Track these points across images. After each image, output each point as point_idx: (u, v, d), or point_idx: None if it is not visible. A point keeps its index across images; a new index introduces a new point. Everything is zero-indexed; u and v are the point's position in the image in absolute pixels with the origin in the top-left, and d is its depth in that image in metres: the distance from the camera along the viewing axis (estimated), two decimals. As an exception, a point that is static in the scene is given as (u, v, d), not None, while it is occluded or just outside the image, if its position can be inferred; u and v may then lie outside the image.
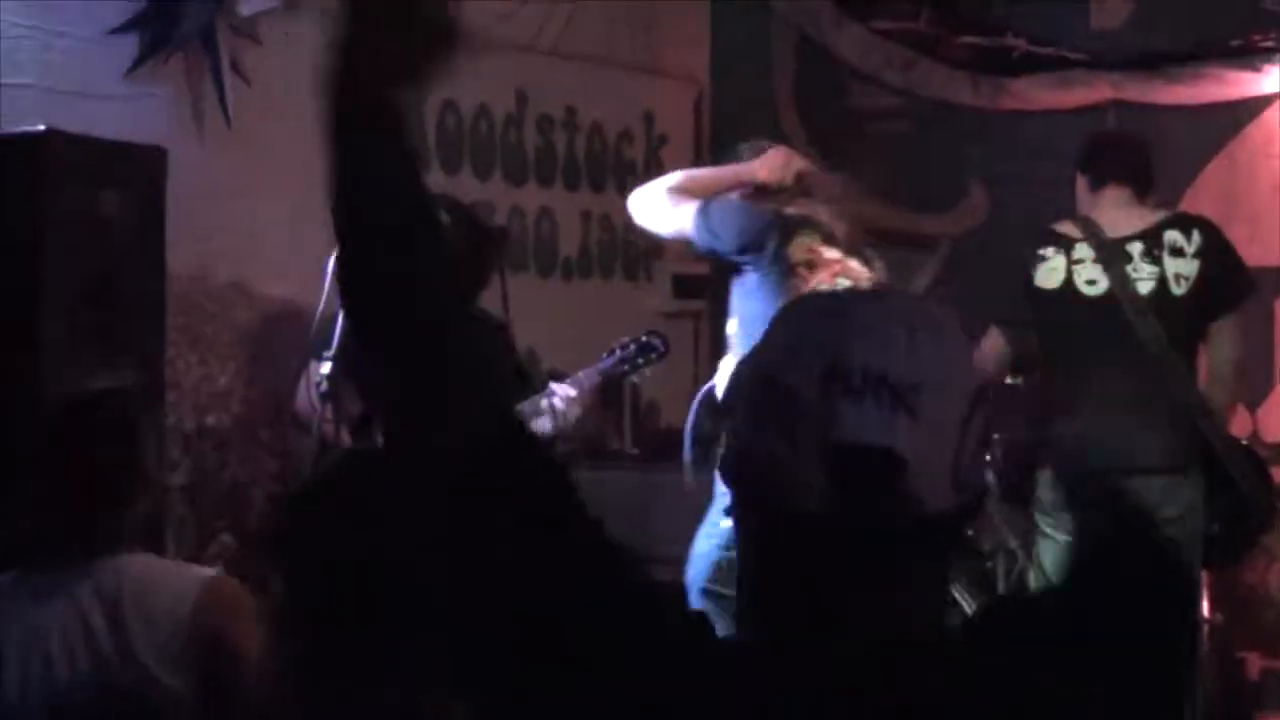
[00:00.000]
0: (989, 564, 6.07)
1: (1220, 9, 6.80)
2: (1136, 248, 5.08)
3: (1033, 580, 5.33)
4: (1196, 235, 5.09)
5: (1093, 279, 5.09)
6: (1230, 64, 6.68)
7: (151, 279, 4.93)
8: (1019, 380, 5.89)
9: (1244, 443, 5.42)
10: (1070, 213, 5.28)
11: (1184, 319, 5.06)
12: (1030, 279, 5.15)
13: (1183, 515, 5.01)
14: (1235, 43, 6.67)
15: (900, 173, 7.66)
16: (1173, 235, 5.09)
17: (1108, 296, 5.06)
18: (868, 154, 7.74)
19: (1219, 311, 5.11)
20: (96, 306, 4.71)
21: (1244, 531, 5.27)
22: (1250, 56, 6.63)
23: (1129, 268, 5.06)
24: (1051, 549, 5.18)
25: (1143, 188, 5.21)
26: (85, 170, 4.74)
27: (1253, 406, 6.70)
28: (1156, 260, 5.06)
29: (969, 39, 7.30)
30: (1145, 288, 5.05)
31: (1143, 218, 5.15)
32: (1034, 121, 7.17)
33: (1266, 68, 6.60)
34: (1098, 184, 5.21)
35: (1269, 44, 6.60)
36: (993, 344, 5.21)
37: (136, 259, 4.87)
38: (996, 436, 5.92)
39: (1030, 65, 7.15)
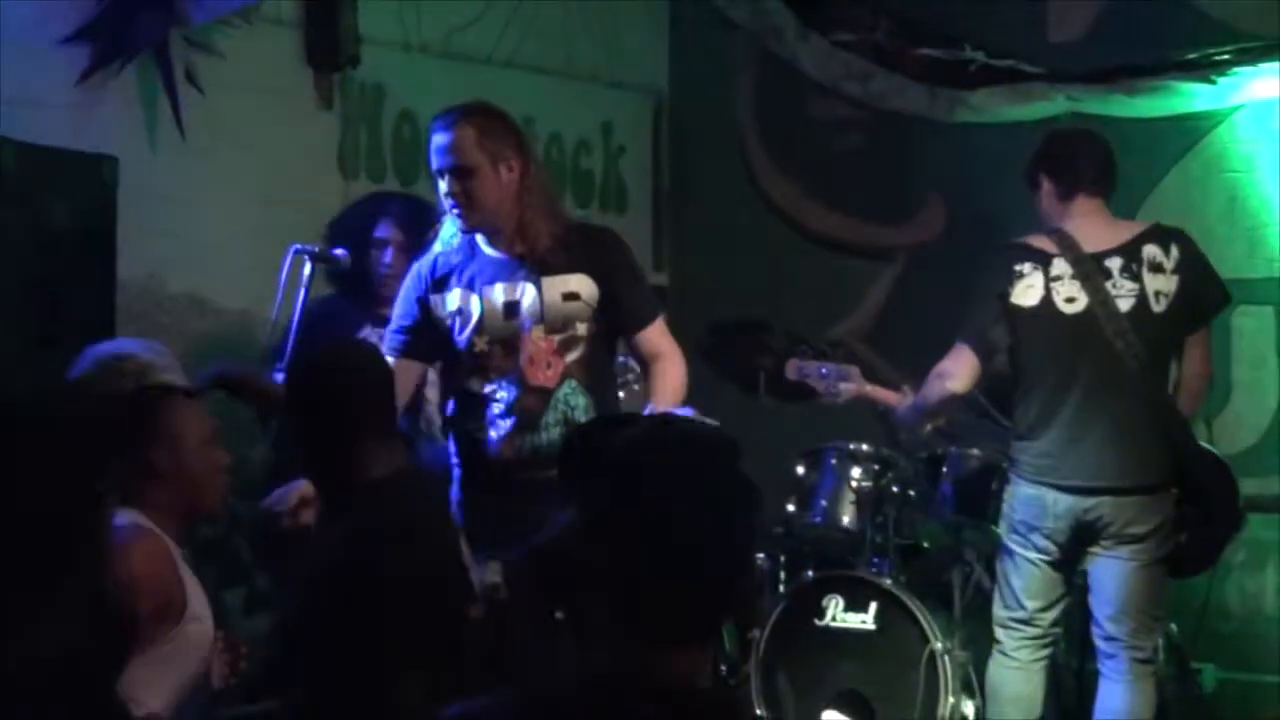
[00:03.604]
0: (944, 575, 6.07)
1: (1177, 23, 6.81)
2: (1115, 263, 5.06)
3: (996, 595, 5.31)
4: (1175, 250, 5.09)
5: (1072, 296, 5.06)
6: (1186, 78, 6.69)
7: (102, 287, 4.92)
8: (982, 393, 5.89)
9: (1213, 450, 5.44)
10: (1030, 223, 5.27)
11: (1164, 334, 5.07)
12: (1006, 295, 5.12)
13: (1157, 529, 5.02)
14: (1191, 56, 6.68)
15: (858, 184, 7.66)
16: (1151, 250, 5.08)
17: (1087, 313, 5.04)
18: (826, 165, 7.75)
19: (1196, 325, 5.12)
20: (47, 314, 4.69)
21: (1212, 540, 5.28)
22: (1206, 70, 6.63)
23: (1109, 284, 5.04)
24: (1023, 565, 5.16)
25: (1110, 194, 5.22)
26: (36, 179, 4.72)
27: (1209, 418, 6.71)
28: (1136, 276, 5.04)
29: (927, 51, 7.29)
30: (1125, 305, 5.03)
31: (1118, 230, 5.14)
32: (992, 134, 7.16)
33: (1222, 82, 6.61)
34: (1067, 193, 5.18)
35: (1224, 58, 6.61)
36: (963, 361, 5.18)
37: (87, 267, 4.86)
38: (955, 450, 5.92)
39: (988, 78, 7.15)
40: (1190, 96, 6.71)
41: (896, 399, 5.42)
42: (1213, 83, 6.64)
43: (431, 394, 5.22)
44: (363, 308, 5.55)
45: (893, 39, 7.38)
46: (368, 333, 5.48)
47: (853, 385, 5.45)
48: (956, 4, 7.29)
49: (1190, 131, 6.84)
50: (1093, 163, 5.24)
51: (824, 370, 5.47)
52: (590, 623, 2.20)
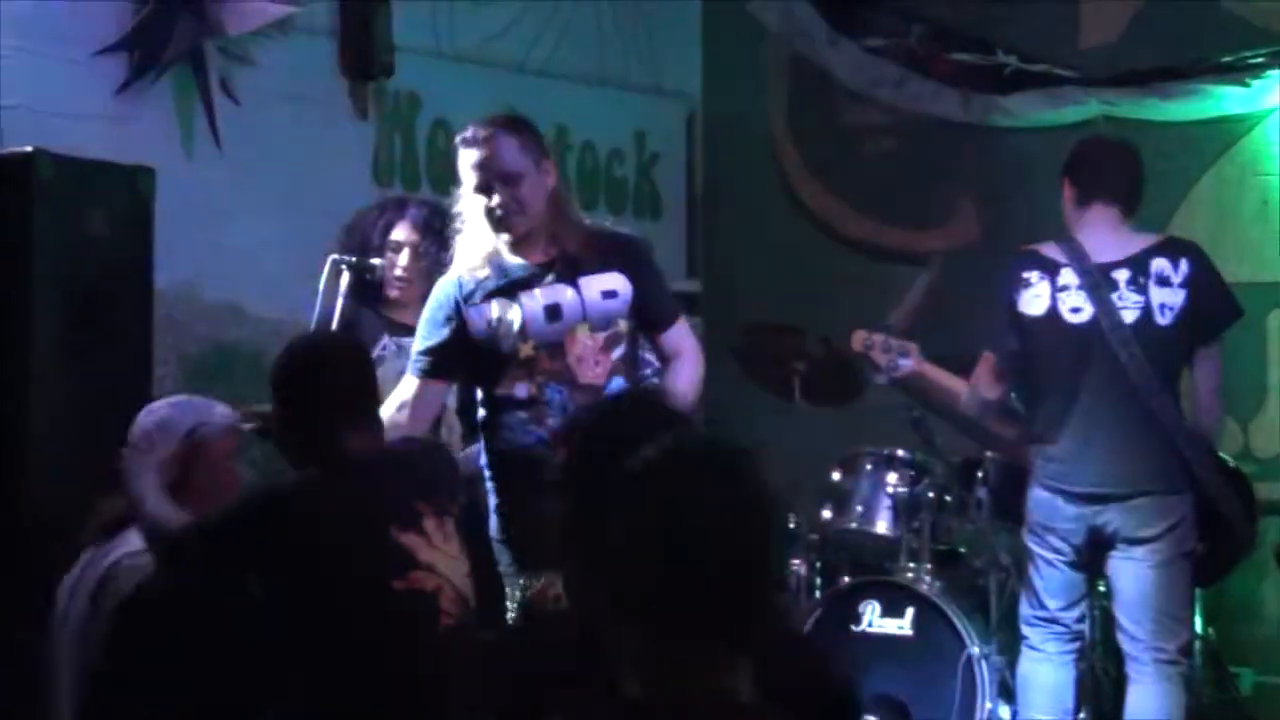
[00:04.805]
0: (981, 580, 6.06)
1: (1210, 26, 6.80)
2: (1123, 275, 5.05)
3: (1022, 595, 5.32)
4: (1184, 264, 5.06)
5: (1077, 307, 5.06)
6: (1220, 81, 6.68)
7: (139, 298, 4.94)
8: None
9: (1230, 463, 5.41)
10: (1061, 230, 5.27)
11: (1168, 347, 5.04)
12: (1014, 303, 5.13)
13: (1171, 529, 5.01)
14: (1225, 60, 6.67)
15: (892, 189, 7.66)
16: (1159, 263, 5.06)
17: (1092, 324, 5.04)
18: (859, 170, 7.76)
19: (1204, 339, 5.10)
20: (84, 325, 4.71)
21: (1227, 552, 5.27)
22: (1240, 73, 6.63)
23: (1114, 296, 5.04)
24: (1043, 566, 5.17)
25: (1130, 207, 5.19)
26: (73, 190, 4.75)
27: (1244, 421, 6.70)
28: (1142, 289, 5.03)
29: (960, 56, 7.30)
30: (1130, 317, 5.02)
31: (1130, 242, 5.11)
32: (1025, 138, 7.17)
33: (1255, 85, 6.60)
34: (1084, 199, 5.18)
35: (1258, 61, 6.60)
36: (988, 369, 5.20)
37: (124, 278, 4.88)
38: (990, 454, 5.93)
39: (1021, 82, 7.15)
40: (1224, 100, 6.70)
41: (956, 382, 5.41)
42: (1246, 86, 6.63)
43: (450, 400, 5.23)
44: (377, 313, 5.48)
45: (925, 44, 7.39)
46: (385, 343, 5.43)
47: (911, 362, 5.48)
48: (989, 8, 7.29)
49: (1224, 135, 6.83)
50: (1114, 173, 5.22)
51: (890, 343, 5.51)
52: (619, 646, 2.18)
